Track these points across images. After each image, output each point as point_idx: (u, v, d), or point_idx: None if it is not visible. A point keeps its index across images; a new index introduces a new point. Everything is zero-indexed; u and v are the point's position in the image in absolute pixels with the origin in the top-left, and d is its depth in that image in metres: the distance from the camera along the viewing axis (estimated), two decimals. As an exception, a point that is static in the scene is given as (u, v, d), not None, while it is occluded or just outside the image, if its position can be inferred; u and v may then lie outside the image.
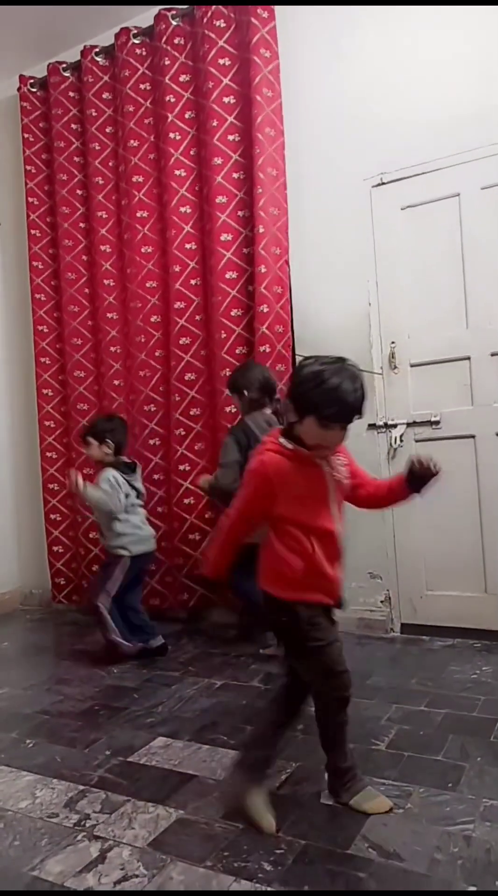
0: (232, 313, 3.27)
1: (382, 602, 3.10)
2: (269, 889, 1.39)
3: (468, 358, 2.92)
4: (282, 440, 1.57)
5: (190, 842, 1.57)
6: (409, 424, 3.03)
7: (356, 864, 1.44)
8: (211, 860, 1.49)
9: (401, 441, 3.03)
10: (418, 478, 1.61)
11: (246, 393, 2.81)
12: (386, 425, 3.07)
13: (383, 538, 3.10)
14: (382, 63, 3.05)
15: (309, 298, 3.24)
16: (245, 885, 1.40)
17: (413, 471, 1.62)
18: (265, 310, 3.14)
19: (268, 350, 3.13)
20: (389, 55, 3.03)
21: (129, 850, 1.55)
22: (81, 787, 1.85)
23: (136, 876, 1.46)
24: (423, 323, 3.01)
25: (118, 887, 1.43)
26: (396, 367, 3.07)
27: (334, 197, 3.17)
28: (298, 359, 3.22)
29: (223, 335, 3.28)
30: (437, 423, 2.97)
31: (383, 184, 3.07)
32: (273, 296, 3.15)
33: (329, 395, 1.45)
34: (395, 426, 3.05)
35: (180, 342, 3.41)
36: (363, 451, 3.09)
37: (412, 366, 3.04)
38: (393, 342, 3.07)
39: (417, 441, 3.02)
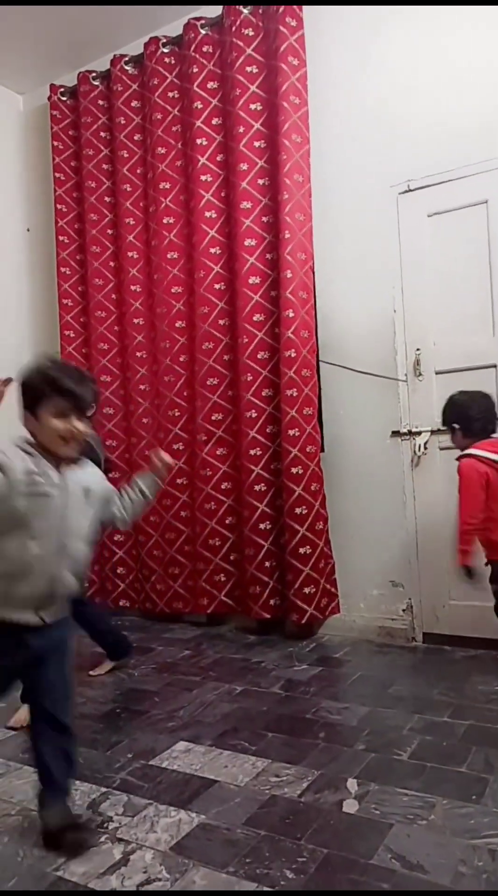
0: (254, 318, 3.27)
1: (403, 611, 3.08)
2: (270, 889, 1.39)
3: (494, 366, 2.89)
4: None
5: (212, 847, 1.57)
6: (433, 432, 3.01)
7: (379, 875, 1.44)
8: (233, 866, 1.49)
9: (425, 449, 3.01)
10: None
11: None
12: (410, 433, 3.06)
13: (406, 546, 3.08)
14: (408, 70, 3.05)
15: (334, 304, 3.24)
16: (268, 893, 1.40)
17: None
18: (291, 315, 3.14)
19: (293, 355, 3.13)
20: (416, 62, 3.03)
21: (151, 854, 1.56)
22: (104, 790, 1.87)
23: (159, 879, 1.46)
24: (448, 330, 2.99)
25: (141, 890, 1.43)
26: (420, 374, 3.05)
27: (361, 203, 3.17)
28: (323, 365, 3.22)
29: (245, 340, 3.28)
30: (462, 431, 2.94)
31: (410, 191, 3.06)
32: (299, 301, 3.16)
33: None
34: (419, 434, 3.04)
35: (203, 347, 3.43)
36: (387, 459, 3.11)
37: (437, 373, 3.02)
38: (418, 349, 3.06)
39: (441, 449, 3.00)
